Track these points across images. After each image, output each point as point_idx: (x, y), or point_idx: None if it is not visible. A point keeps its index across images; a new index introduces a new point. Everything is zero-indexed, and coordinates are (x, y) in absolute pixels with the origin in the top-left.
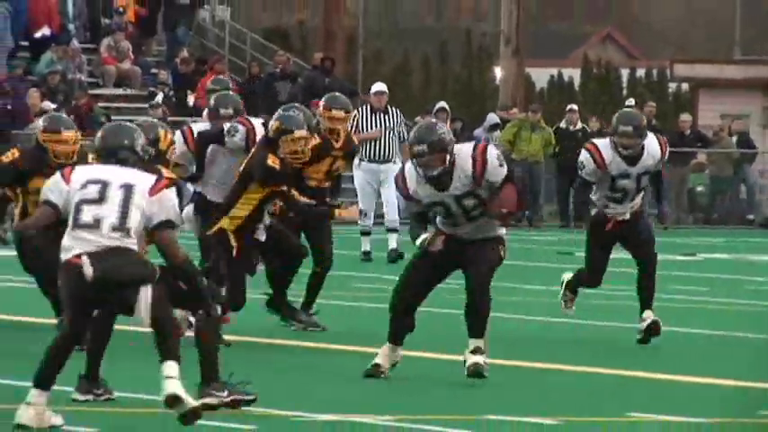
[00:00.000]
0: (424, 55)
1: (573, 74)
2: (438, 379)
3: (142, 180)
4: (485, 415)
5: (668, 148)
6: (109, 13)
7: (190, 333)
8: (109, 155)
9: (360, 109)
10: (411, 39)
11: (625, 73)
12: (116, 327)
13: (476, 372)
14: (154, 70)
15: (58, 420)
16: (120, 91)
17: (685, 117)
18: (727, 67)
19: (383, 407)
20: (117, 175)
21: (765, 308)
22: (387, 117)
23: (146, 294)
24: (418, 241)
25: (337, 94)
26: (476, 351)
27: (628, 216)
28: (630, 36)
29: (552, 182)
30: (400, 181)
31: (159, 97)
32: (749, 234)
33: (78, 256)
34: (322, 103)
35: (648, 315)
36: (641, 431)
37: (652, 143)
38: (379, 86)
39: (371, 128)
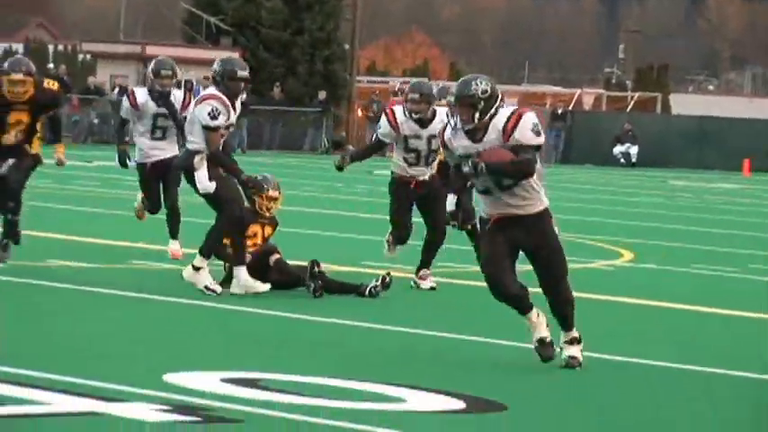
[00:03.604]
0: None
1: (18, 47)
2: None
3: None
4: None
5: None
6: None
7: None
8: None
9: None
10: None
11: (51, 47)
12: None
13: (571, 365)
14: None
15: (217, 288)
16: None
17: (92, 78)
18: (115, 44)
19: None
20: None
21: None
22: None
23: None
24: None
25: (19, 57)
26: (573, 341)
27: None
28: (55, 23)
29: None
30: (443, 132)
31: None
32: None
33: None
34: (6, 65)
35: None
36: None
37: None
38: None
39: None
